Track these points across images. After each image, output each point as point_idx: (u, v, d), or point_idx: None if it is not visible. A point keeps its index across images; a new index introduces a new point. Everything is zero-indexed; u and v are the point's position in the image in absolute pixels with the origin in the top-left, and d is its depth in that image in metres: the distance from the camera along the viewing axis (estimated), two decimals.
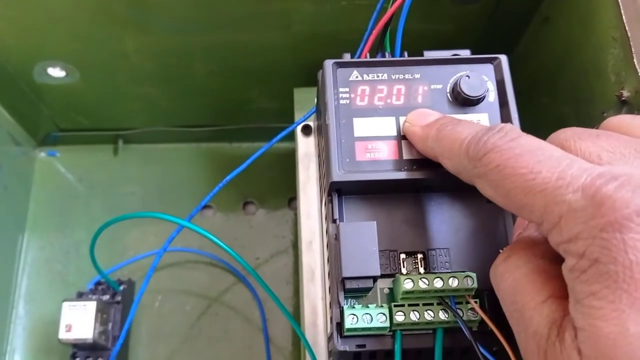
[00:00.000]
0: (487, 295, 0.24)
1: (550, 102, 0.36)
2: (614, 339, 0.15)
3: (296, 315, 0.44)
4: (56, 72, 0.43)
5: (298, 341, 0.44)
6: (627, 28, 0.27)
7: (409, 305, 0.24)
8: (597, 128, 0.22)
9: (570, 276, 0.17)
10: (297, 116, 0.40)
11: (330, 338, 0.26)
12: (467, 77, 0.26)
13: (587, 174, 0.17)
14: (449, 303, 0.24)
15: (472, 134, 0.21)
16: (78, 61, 0.43)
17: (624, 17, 0.27)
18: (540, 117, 0.37)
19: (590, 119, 0.30)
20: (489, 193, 0.20)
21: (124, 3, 0.37)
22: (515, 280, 0.19)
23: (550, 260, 0.19)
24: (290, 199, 0.50)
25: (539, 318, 0.18)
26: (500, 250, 0.21)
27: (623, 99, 0.27)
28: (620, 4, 0.27)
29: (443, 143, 0.22)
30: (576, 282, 0.17)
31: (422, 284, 0.24)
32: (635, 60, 0.26)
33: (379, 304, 0.25)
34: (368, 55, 0.29)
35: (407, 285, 0.24)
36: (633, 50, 0.26)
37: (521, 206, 0.18)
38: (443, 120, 0.24)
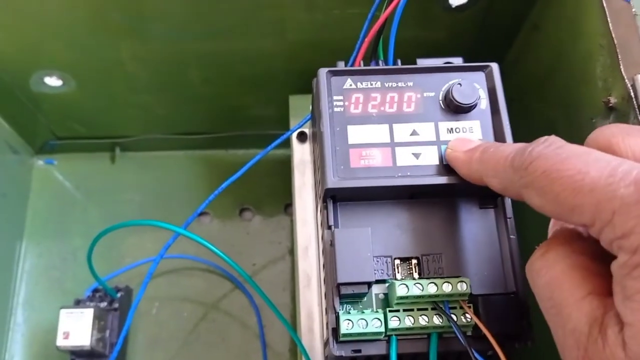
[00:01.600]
0: (480, 300, 0.25)
1: (540, 107, 0.37)
2: None
3: (293, 321, 0.44)
4: (53, 81, 0.44)
5: (295, 347, 0.44)
6: (613, 35, 0.27)
7: (404, 310, 0.24)
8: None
9: (621, 272, 0.17)
10: (293, 123, 0.40)
11: (326, 343, 0.26)
12: (459, 85, 0.26)
13: (638, 169, 0.17)
14: (443, 308, 0.24)
15: (517, 148, 0.21)
16: (74, 70, 0.43)
17: (610, 24, 0.28)
18: (531, 123, 0.37)
19: (580, 125, 0.31)
20: (537, 202, 0.19)
21: (119, 12, 0.38)
22: (553, 277, 0.19)
23: (590, 257, 0.19)
24: (287, 205, 0.50)
25: (578, 314, 0.18)
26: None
27: (610, 105, 0.27)
28: (607, 12, 0.28)
29: (488, 163, 0.22)
30: (627, 278, 0.17)
31: (416, 290, 0.24)
32: (622, 67, 0.27)
33: (374, 310, 0.25)
34: (362, 63, 0.30)
35: (402, 290, 0.24)
36: (620, 57, 0.27)
37: (572, 209, 0.18)
38: (486, 143, 0.24)
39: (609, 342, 0.17)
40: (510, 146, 0.21)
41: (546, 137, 0.20)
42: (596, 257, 0.19)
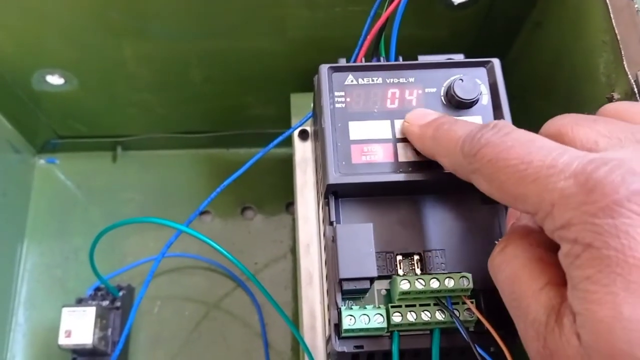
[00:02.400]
0: (483, 295, 0.25)
1: (543, 105, 0.37)
2: (608, 323, 0.16)
3: (295, 319, 0.44)
4: (54, 80, 0.44)
5: (297, 345, 0.44)
6: (616, 32, 0.27)
7: (406, 306, 0.24)
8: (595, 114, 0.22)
9: (565, 262, 0.17)
10: (294, 121, 0.40)
11: (328, 340, 0.26)
12: (460, 81, 0.26)
13: (578, 161, 0.17)
14: (446, 303, 0.24)
15: (467, 132, 0.21)
16: (76, 69, 0.43)
17: (613, 21, 0.28)
18: (533, 120, 0.37)
19: None
20: (485, 188, 0.20)
21: (121, 11, 0.38)
22: (512, 271, 0.20)
23: (545, 249, 0.19)
24: (288, 203, 0.50)
25: (536, 305, 0.18)
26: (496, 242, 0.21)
27: (614, 101, 0.27)
28: (610, 8, 0.28)
29: (440, 142, 0.23)
30: (571, 268, 0.17)
31: (419, 285, 0.24)
32: (625, 63, 0.27)
33: (377, 305, 0.25)
34: (363, 60, 0.30)
35: (404, 286, 0.24)
36: (623, 53, 0.27)
37: (515, 197, 0.19)
38: (440, 119, 0.24)
39: (564, 330, 0.17)
40: (461, 127, 0.22)
41: (496, 121, 0.21)
42: (552, 248, 0.19)
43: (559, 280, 0.18)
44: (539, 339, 0.18)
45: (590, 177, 0.16)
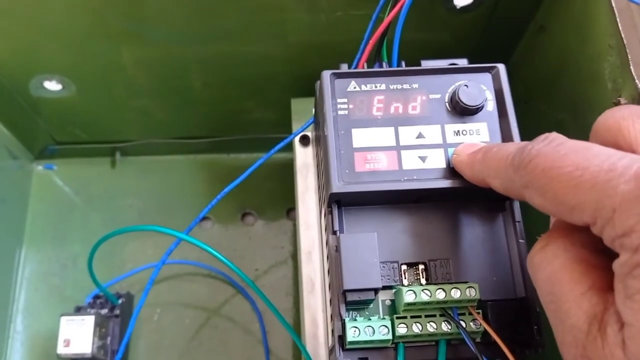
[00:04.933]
0: (490, 305, 0.24)
1: (548, 109, 0.36)
2: None
3: (296, 326, 0.43)
4: (52, 86, 0.43)
5: (298, 353, 0.43)
6: (623, 35, 0.27)
7: (411, 317, 0.24)
8: None
9: (622, 271, 0.16)
10: (295, 126, 0.40)
11: (332, 351, 0.26)
12: (465, 87, 0.26)
13: (639, 163, 0.16)
14: (452, 314, 0.24)
15: (517, 147, 0.20)
16: (74, 74, 0.43)
17: (619, 24, 0.27)
18: (539, 125, 0.37)
19: (589, 127, 0.30)
20: (539, 202, 0.19)
21: (119, 16, 0.37)
22: (552, 271, 0.19)
23: (590, 250, 0.19)
24: (289, 209, 0.50)
25: (578, 311, 0.18)
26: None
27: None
28: (615, 11, 0.27)
29: (490, 163, 0.22)
30: (628, 277, 0.16)
31: (424, 296, 0.24)
32: (632, 67, 0.26)
33: (381, 316, 0.24)
34: (365, 65, 0.29)
35: (409, 297, 0.23)
36: (629, 57, 0.26)
37: (572, 207, 0.17)
38: (489, 145, 0.23)
39: (608, 341, 0.16)
40: (511, 145, 0.21)
41: (547, 134, 0.20)
42: (597, 250, 0.18)
43: (603, 285, 0.18)
44: (578, 346, 0.17)
45: None
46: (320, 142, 0.29)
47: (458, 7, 0.36)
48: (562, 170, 0.17)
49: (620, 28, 0.27)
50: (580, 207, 0.17)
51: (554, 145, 0.18)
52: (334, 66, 0.28)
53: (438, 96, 0.27)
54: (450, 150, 0.25)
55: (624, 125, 0.19)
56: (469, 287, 0.23)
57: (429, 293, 0.24)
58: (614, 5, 0.28)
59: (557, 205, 0.18)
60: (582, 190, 0.17)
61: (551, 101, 0.36)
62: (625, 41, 0.27)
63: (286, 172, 0.40)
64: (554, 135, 0.19)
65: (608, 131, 0.19)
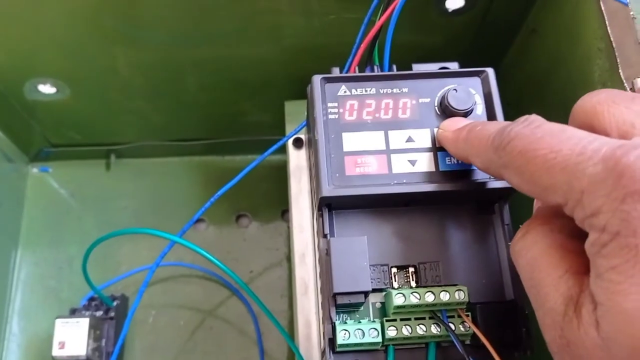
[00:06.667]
0: (479, 308, 0.24)
1: (538, 112, 0.36)
2: (632, 314, 0.15)
3: (291, 328, 0.44)
4: (47, 89, 0.43)
5: (293, 355, 0.43)
6: (612, 39, 0.27)
7: (401, 319, 0.24)
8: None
9: (591, 250, 0.17)
10: (289, 128, 0.40)
11: (323, 354, 0.26)
12: (454, 91, 0.26)
13: (608, 146, 0.16)
14: (441, 317, 0.24)
15: (498, 128, 0.21)
16: (69, 77, 0.43)
17: (608, 28, 0.27)
18: None
19: None
20: (515, 181, 0.19)
21: (114, 19, 0.37)
22: (532, 257, 0.19)
23: (567, 235, 0.19)
24: (284, 211, 0.50)
25: (555, 294, 0.18)
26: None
27: None
28: (605, 15, 0.28)
29: (472, 142, 0.23)
30: (597, 257, 0.16)
31: (414, 299, 0.24)
32: (620, 70, 0.27)
33: (371, 319, 0.25)
34: (357, 69, 0.30)
35: (399, 300, 0.24)
36: (618, 60, 0.27)
37: (546, 188, 0.18)
38: (473, 123, 0.24)
39: (582, 321, 0.17)
40: (493, 125, 0.21)
41: (527, 116, 0.20)
42: (575, 235, 0.19)
43: (580, 268, 0.18)
44: (556, 328, 0.18)
45: (619, 162, 0.16)
46: (312, 145, 0.29)
47: (450, 10, 0.36)
48: (537, 152, 0.18)
49: (609, 31, 0.27)
50: (552, 188, 0.18)
51: (532, 128, 0.19)
52: (328, 69, 0.28)
53: (427, 100, 0.27)
54: (440, 154, 0.26)
55: (599, 110, 0.19)
56: (458, 289, 0.24)
57: (418, 296, 0.24)
58: (603, 8, 0.28)
59: (533, 186, 0.19)
60: (554, 172, 0.18)
61: (541, 104, 0.36)
62: (614, 45, 0.27)
63: (281, 174, 0.40)
64: (533, 117, 0.20)
65: (585, 114, 0.20)
